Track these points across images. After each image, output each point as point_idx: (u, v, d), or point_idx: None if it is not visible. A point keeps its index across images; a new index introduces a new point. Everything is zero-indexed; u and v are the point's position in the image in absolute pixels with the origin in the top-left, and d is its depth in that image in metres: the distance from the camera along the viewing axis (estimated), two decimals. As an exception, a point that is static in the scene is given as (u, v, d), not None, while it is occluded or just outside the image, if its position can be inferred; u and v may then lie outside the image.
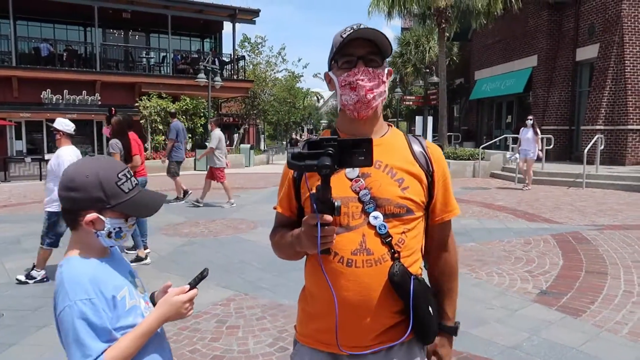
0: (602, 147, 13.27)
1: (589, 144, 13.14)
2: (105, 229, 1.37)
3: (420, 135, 1.63)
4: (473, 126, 23.22)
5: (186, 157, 17.29)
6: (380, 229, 1.40)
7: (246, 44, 25.01)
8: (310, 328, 1.51)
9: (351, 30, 1.39)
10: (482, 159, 15.10)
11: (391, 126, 1.57)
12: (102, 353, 1.28)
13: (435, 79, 18.42)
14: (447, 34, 17.80)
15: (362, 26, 1.41)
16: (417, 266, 1.48)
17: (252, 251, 6.01)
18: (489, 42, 20.99)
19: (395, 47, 25.50)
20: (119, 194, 1.36)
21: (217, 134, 9.49)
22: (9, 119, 19.15)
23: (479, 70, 21.95)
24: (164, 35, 23.20)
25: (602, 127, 14.69)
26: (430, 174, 1.50)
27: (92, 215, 1.34)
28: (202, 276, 1.49)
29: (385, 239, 1.41)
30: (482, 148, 15.57)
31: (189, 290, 1.46)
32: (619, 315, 4.02)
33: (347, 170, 1.43)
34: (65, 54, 20.82)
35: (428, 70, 19.27)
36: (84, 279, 1.32)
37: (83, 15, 21.23)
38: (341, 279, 1.40)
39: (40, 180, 17.09)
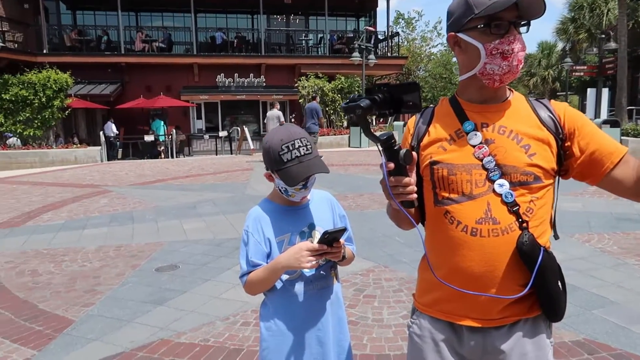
0: None
1: None
2: (276, 185, 1.70)
3: (544, 99, 1.52)
4: (664, 98, 19.87)
5: (340, 134, 18.13)
6: (506, 197, 1.34)
7: (400, 20, 24.69)
8: (431, 297, 1.48)
9: None
10: (671, 136, 12.93)
11: (512, 90, 1.48)
12: (247, 273, 1.67)
13: (613, 45, 16.05)
14: (633, -8, 15.40)
15: None
16: (545, 238, 1.40)
17: (396, 226, 6.07)
18: (690, -3, 17.64)
19: (566, 12, 22.82)
20: (279, 161, 1.61)
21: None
22: (191, 101, 21.89)
23: (674, 32, 18.64)
24: (322, 17, 24.07)
25: None
26: (561, 137, 1.38)
27: (266, 172, 1.70)
28: (327, 233, 1.51)
29: (512, 207, 1.33)
30: (673, 123, 13.30)
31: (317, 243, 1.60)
32: None
33: (469, 136, 1.39)
34: (235, 41, 22.99)
35: (604, 36, 16.78)
36: (253, 215, 1.72)
37: (250, 4, 23.10)
38: (464, 249, 1.37)
39: (216, 154, 19.31)
